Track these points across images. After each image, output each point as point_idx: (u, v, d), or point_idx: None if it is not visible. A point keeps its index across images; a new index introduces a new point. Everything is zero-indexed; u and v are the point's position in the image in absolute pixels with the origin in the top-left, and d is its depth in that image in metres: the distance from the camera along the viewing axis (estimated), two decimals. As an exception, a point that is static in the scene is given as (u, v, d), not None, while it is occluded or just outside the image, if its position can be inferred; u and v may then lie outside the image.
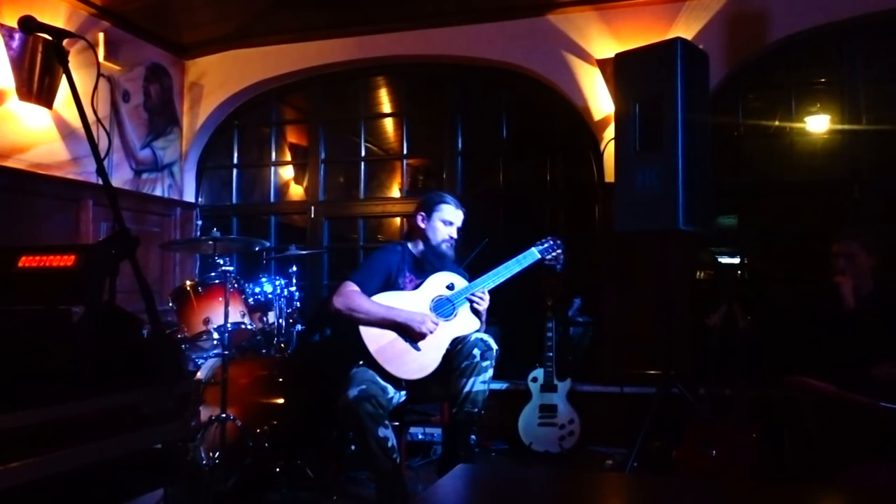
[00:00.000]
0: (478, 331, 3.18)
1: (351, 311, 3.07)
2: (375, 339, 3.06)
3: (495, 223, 4.92)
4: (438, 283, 3.24)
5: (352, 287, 3.13)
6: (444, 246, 3.30)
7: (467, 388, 2.98)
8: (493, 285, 3.25)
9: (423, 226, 3.33)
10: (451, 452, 3.09)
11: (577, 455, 4.14)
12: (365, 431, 2.88)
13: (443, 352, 3.10)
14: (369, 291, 3.15)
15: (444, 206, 3.33)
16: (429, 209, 3.34)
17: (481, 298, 3.19)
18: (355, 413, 2.87)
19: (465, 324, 3.19)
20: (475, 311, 3.22)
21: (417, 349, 3.08)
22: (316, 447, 3.66)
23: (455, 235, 3.34)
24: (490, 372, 3.03)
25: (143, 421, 1.69)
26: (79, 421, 1.53)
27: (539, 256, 3.40)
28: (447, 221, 3.31)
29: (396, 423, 3.21)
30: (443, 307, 3.19)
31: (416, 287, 3.23)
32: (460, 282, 3.26)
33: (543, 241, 3.46)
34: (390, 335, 3.07)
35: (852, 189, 4.25)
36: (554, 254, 3.44)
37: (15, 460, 1.38)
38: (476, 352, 2.99)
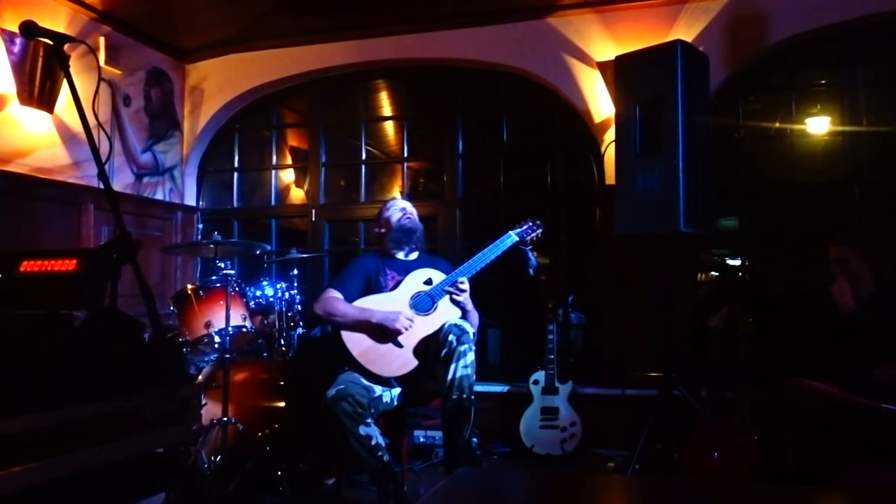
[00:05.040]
0: (463, 318, 3.22)
1: (329, 315, 3.19)
2: (357, 343, 3.13)
3: (496, 225, 4.91)
4: (416, 280, 3.30)
5: (331, 293, 3.24)
6: (405, 221, 3.43)
7: (450, 376, 3.00)
8: (472, 273, 3.28)
9: (382, 230, 3.49)
10: (451, 447, 3.11)
11: (578, 458, 4.14)
12: (344, 430, 2.92)
13: (424, 345, 3.15)
14: (350, 295, 3.24)
15: (388, 203, 3.54)
16: (378, 215, 3.55)
17: (459, 288, 3.23)
18: (333, 412, 2.91)
19: (446, 316, 3.21)
20: (455, 302, 3.26)
21: (400, 346, 3.14)
22: (317, 450, 3.66)
23: (412, 213, 3.48)
24: (470, 356, 3.04)
25: (145, 425, 1.69)
26: (80, 425, 1.53)
27: (516, 239, 3.42)
28: (396, 208, 3.48)
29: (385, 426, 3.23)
30: (422, 302, 3.24)
31: (397, 286, 3.29)
32: (438, 276, 3.30)
33: (521, 223, 3.49)
34: (370, 336, 3.14)
35: (853, 191, 4.25)
36: (533, 235, 3.46)
37: (17, 465, 1.38)
38: (451, 338, 3.02)
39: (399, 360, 3.12)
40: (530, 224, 3.49)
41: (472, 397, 3.06)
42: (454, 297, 3.24)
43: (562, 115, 4.82)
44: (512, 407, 4.34)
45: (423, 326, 3.18)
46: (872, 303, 3.28)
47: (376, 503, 3.01)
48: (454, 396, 3.01)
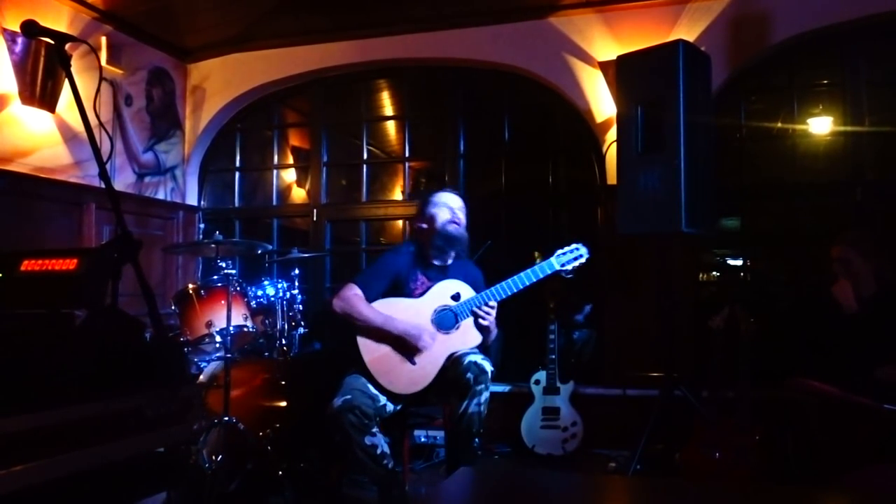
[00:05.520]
0: (483, 343, 3.15)
1: (348, 315, 3.04)
2: (372, 350, 3.03)
3: (497, 225, 4.92)
4: (444, 292, 3.15)
5: (354, 290, 3.09)
6: (451, 227, 3.21)
7: (461, 410, 2.94)
8: (503, 297, 3.13)
9: (423, 226, 3.28)
10: (454, 460, 3.08)
11: (579, 458, 4.14)
12: (350, 441, 2.87)
13: (438, 366, 3.06)
14: (372, 294, 3.10)
15: (437, 195, 3.30)
16: (424, 206, 3.31)
17: (487, 313, 3.09)
18: (339, 423, 2.86)
19: (466, 338, 3.12)
20: (480, 327, 3.13)
21: (413, 363, 3.04)
22: (318, 450, 3.66)
23: (461, 217, 3.26)
24: (485, 395, 2.96)
25: (146, 424, 1.68)
26: (81, 425, 1.53)
27: (557, 268, 3.22)
28: (445, 205, 3.25)
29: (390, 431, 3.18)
30: (445, 319, 3.11)
31: (423, 293, 3.16)
32: (467, 292, 3.16)
33: (564, 250, 3.26)
34: (387, 346, 3.04)
35: (855, 191, 4.25)
36: (574, 264, 3.24)
37: (18, 464, 1.38)
38: (469, 376, 2.92)
39: (408, 377, 3.03)
40: (574, 253, 3.25)
41: (482, 430, 3.00)
42: (481, 321, 3.10)
43: (563, 115, 4.81)
44: (513, 407, 4.33)
45: (442, 346, 3.07)
46: (874, 303, 3.28)
47: (377, 503, 3.00)
48: (463, 425, 2.96)
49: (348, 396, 2.89)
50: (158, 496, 1.81)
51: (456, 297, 3.14)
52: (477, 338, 3.14)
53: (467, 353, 3.03)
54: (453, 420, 2.98)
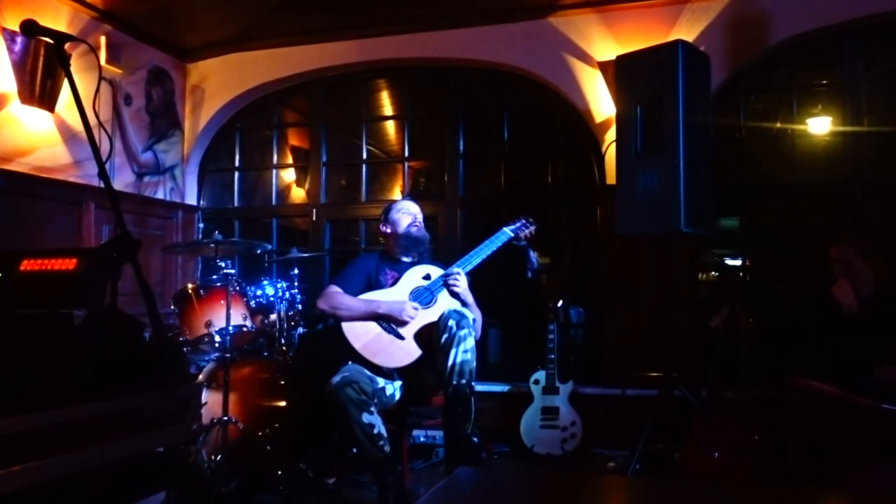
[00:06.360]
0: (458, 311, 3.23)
1: (334, 310, 3.20)
2: (359, 337, 3.15)
3: (497, 225, 4.90)
4: (415, 275, 3.35)
5: (334, 289, 3.29)
6: (413, 230, 3.46)
7: (451, 361, 3.02)
8: (468, 268, 3.34)
9: (387, 230, 3.53)
10: (451, 442, 3.11)
11: (579, 457, 4.14)
12: (349, 418, 2.92)
13: (426, 337, 3.18)
14: (351, 292, 3.28)
15: (397, 205, 3.57)
16: (387, 213, 3.56)
17: (457, 278, 3.28)
18: (338, 398, 2.92)
19: (446, 308, 3.23)
20: (453, 294, 3.30)
21: (402, 338, 3.16)
22: (318, 450, 3.66)
23: (420, 218, 3.52)
24: (470, 340, 3.06)
25: (145, 424, 1.68)
26: (80, 424, 1.53)
27: (511, 235, 3.50)
28: (407, 211, 3.50)
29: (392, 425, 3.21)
30: (422, 296, 3.28)
31: (395, 282, 3.34)
32: (436, 271, 3.36)
33: (515, 220, 3.59)
34: (373, 330, 3.16)
35: (854, 191, 4.25)
36: (526, 231, 3.55)
37: (17, 464, 1.37)
38: (451, 323, 3.05)
39: (402, 351, 3.15)
40: (523, 221, 3.59)
41: (473, 384, 3.07)
42: (452, 288, 3.27)
43: (563, 115, 4.81)
44: (512, 407, 4.34)
45: (425, 318, 3.21)
46: (874, 303, 3.28)
47: (377, 502, 3.01)
48: (455, 382, 3.01)
49: (347, 374, 3.00)
50: (158, 496, 1.80)
51: (427, 277, 3.35)
52: (456, 305, 3.28)
53: (447, 309, 3.18)
54: (446, 379, 3.03)
